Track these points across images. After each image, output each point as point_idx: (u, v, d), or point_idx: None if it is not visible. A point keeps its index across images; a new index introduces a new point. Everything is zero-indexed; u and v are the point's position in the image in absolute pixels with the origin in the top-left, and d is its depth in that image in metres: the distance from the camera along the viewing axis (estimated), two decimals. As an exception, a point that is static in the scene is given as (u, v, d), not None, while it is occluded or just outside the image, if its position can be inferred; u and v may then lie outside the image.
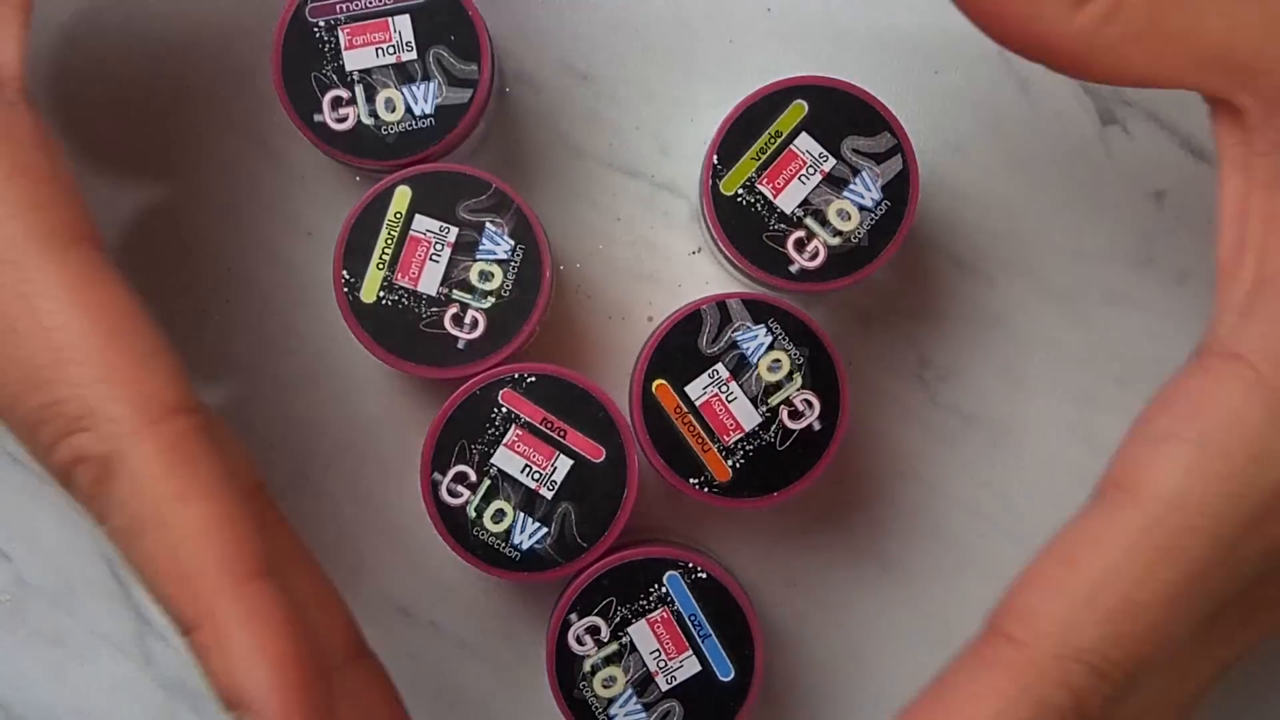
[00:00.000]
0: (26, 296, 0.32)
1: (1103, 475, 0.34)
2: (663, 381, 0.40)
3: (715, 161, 0.39)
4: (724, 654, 0.40)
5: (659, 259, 0.44)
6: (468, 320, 0.40)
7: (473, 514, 0.40)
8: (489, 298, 0.40)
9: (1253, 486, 0.33)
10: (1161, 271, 0.44)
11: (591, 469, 0.40)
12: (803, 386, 0.40)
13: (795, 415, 0.40)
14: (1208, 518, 0.33)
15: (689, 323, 0.40)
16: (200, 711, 0.46)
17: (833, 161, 0.39)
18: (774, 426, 0.40)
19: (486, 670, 0.45)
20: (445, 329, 0.39)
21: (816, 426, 0.40)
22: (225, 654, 0.31)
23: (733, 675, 0.40)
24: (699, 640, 0.40)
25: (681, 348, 0.40)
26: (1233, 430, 0.33)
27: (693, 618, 0.40)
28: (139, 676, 0.46)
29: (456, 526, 0.40)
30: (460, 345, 0.40)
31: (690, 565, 0.40)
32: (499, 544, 0.40)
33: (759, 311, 0.40)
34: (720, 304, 0.39)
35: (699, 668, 0.40)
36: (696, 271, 0.44)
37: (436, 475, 0.40)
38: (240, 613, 0.31)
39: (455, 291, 0.40)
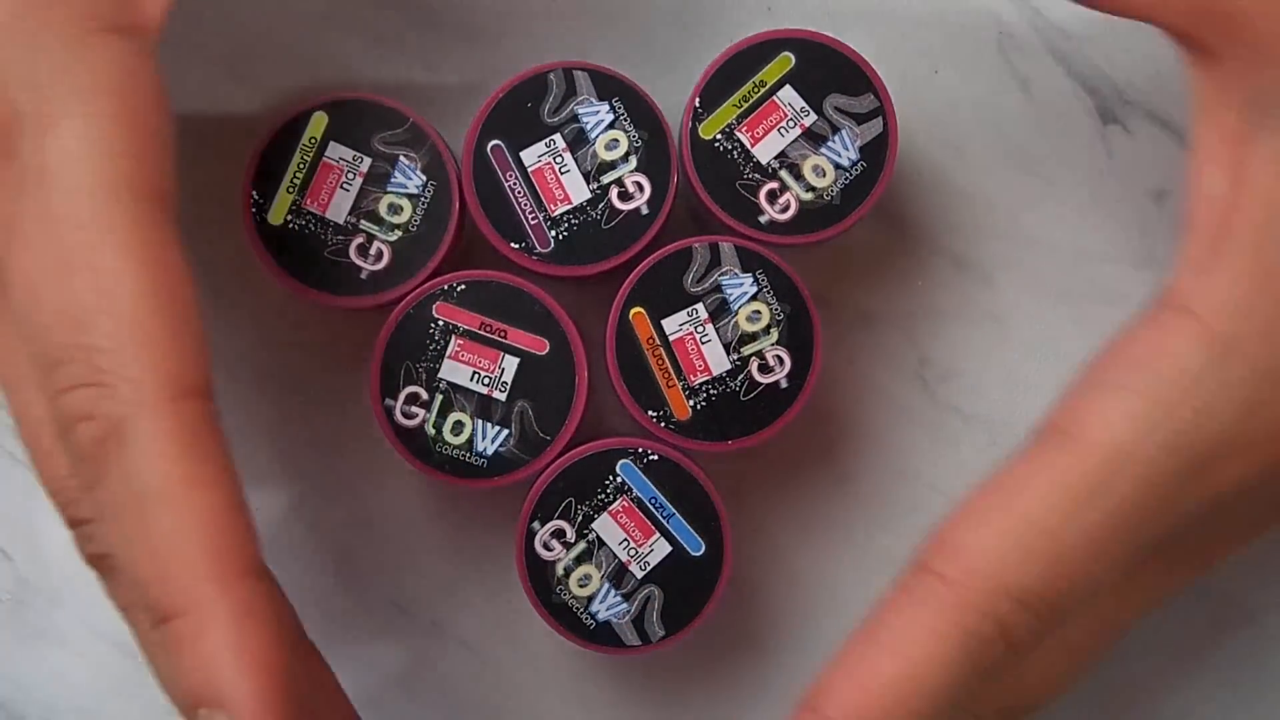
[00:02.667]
0: (89, 232, 0.31)
1: (1045, 418, 0.34)
2: (641, 310, 0.40)
3: (697, 105, 0.40)
4: (690, 530, 0.40)
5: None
6: (373, 251, 0.40)
7: (431, 431, 0.40)
8: (396, 231, 0.40)
9: (1191, 440, 0.33)
10: (1161, 271, 0.44)
11: (539, 362, 0.40)
12: (777, 343, 0.40)
13: (765, 369, 0.40)
14: (1144, 466, 0.33)
15: (678, 258, 0.40)
16: (200, 712, 0.46)
17: (814, 117, 0.40)
18: (741, 376, 0.40)
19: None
20: (350, 258, 0.40)
21: (783, 385, 0.40)
22: (208, 647, 0.30)
23: (703, 549, 0.40)
24: (664, 521, 0.40)
25: (666, 281, 0.40)
26: (1177, 384, 0.33)
27: (653, 500, 0.40)
28: (139, 676, 0.46)
29: (418, 447, 0.40)
30: (363, 275, 0.40)
31: (640, 450, 0.40)
32: (463, 454, 0.40)
33: (749, 260, 0.40)
34: (713, 245, 0.40)
35: (669, 548, 0.40)
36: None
37: (388, 401, 0.40)
38: (231, 608, 0.30)
39: (363, 222, 0.40)
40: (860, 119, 0.40)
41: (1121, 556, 0.33)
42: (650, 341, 0.40)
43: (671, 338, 0.40)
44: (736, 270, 0.40)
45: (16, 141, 0.32)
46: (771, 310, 0.40)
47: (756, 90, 0.40)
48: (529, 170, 0.40)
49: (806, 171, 0.40)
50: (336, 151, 0.40)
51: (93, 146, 0.32)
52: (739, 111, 0.40)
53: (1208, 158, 0.34)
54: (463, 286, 0.40)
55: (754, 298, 0.40)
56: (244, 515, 0.31)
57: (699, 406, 0.40)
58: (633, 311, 0.40)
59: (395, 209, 0.40)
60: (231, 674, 0.29)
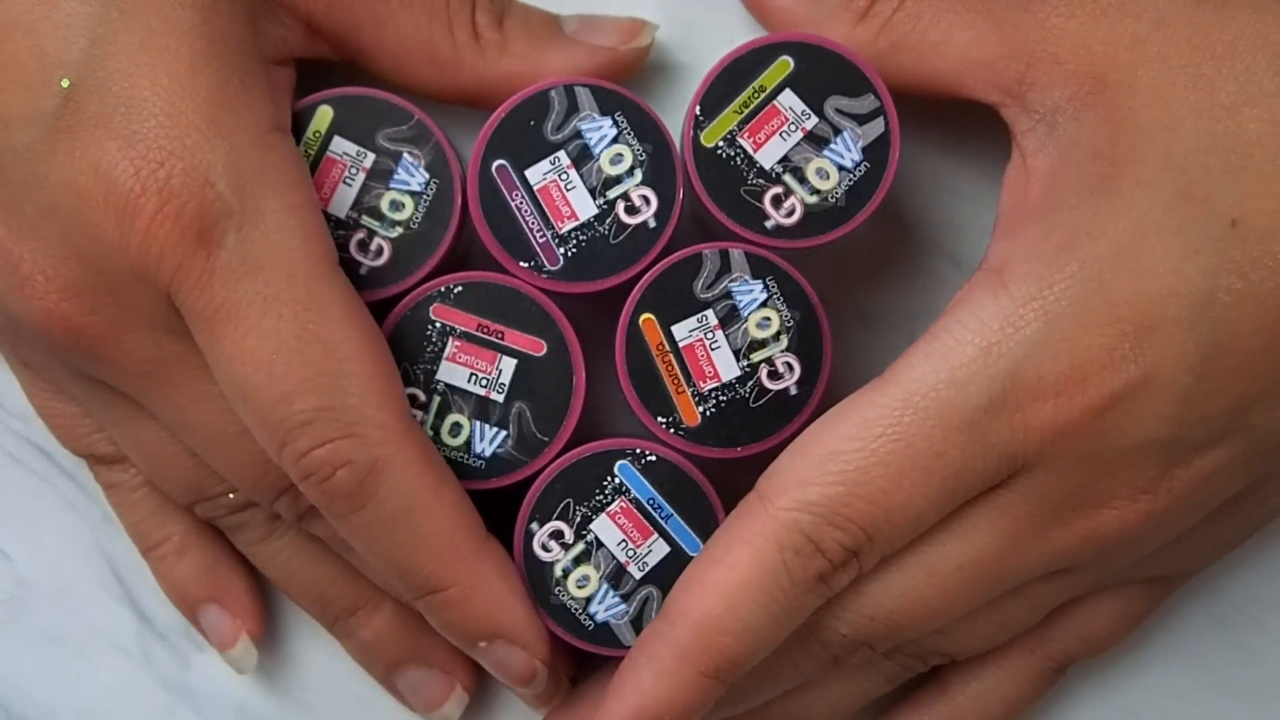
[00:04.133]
0: (315, 311, 0.36)
1: None
2: (650, 317, 0.40)
3: (698, 113, 0.40)
4: (689, 530, 0.41)
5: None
6: (373, 247, 0.40)
7: (429, 432, 0.40)
8: (397, 227, 0.40)
9: (979, 374, 0.36)
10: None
11: (536, 363, 0.40)
12: (787, 349, 0.40)
13: (774, 376, 0.40)
14: (932, 400, 0.36)
15: (688, 264, 0.40)
16: (200, 711, 0.46)
17: (815, 120, 0.40)
18: (751, 383, 0.40)
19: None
20: (350, 253, 0.40)
21: (793, 391, 0.40)
22: (484, 598, 0.38)
23: (701, 549, 0.40)
24: (662, 522, 0.40)
25: (676, 287, 0.40)
26: (967, 324, 0.37)
27: (651, 501, 0.40)
28: (139, 676, 0.46)
29: None
30: (363, 271, 0.40)
31: (638, 451, 0.40)
32: (461, 456, 0.40)
33: (759, 267, 0.40)
34: (723, 252, 0.40)
35: (668, 549, 0.40)
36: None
37: None
38: (491, 566, 0.39)
39: (364, 217, 0.40)
40: (861, 120, 0.40)
41: (931, 487, 0.37)
42: (660, 348, 0.40)
43: (681, 344, 0.40)
44: (746, 276, 0.40)
45: (223, 233, 0.36)
46: (781, 317, 0.40)
47: (757, 95, 0.40)
48: (534, 189, 0.40)
49: (810, 174, 0.40)
50: (340, 146, 0.40)
51: (293, 235, 0.37)
52: (740, 117, 0.40)
53: (1017, 168, 0.40)
54: (460, 288, 0.40)
55: (764, 304, 0.40)
56: (466, 495, 0.39)
57: (708, 413, 0.40)
58: (642, 318, 0.40)
59: (397, 205, 0.40)
60: (506, 611, 0.39)
